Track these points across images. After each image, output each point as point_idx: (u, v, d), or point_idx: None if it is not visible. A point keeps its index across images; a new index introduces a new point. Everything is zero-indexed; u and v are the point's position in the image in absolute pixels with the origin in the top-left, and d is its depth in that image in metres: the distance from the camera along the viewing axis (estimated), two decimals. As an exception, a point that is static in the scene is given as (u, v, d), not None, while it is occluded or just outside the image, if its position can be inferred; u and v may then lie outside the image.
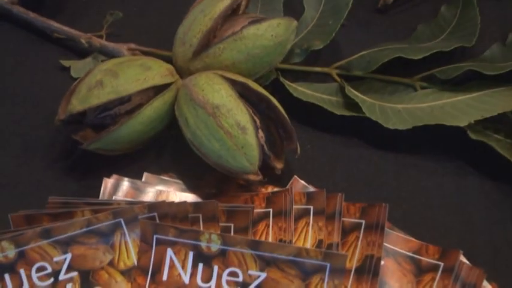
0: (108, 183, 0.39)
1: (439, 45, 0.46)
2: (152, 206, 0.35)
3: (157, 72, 0.39)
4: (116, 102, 0.38)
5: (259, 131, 0.38)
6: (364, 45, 0.49)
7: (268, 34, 0.40)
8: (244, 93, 0.39)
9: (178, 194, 0.39)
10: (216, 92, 0.37)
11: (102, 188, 0.38)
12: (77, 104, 0.37)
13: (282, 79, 0.44)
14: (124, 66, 0.39)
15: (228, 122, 0.37)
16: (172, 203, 0.36)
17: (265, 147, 0.38)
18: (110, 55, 0.46)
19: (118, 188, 0.39)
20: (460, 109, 0.42)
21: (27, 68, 0.46)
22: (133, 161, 0.41)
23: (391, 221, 0.39)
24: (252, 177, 0.38)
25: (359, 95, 0.43)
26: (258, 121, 0.38)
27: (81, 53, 0.47)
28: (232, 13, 0.42)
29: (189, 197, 0.39)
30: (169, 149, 0.42)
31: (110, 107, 0.38)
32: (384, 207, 0.37)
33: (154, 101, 0.39)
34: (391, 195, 0.41)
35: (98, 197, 0.39)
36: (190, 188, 0.40)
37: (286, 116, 0.39)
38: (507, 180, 0.42)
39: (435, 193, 0.41)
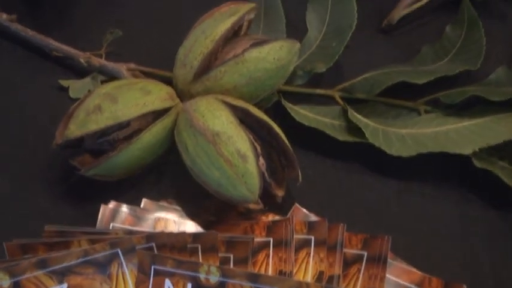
0: (105, 210, 0.38)
1: (444, 68, 0.45)
2: (150, 237, 0.34)
3: (157, 96, 0.38)
4: (114, 127, 0.37)
5: (260, 158, 0.37)
6: (367, 66, 0.48)
7: (271, 57, 0.40)
8: (245, 119, 0.38)
9: (177, 222, 0.38)
10: (216, 119, 0.37)
11: (99, 215, 0.38)
12: (75, 129, 0.37)
13: (284, 102, 0.43)
14: (123, 90, 0.38)
15: (228, 149, 0.36)
16: (171, 233, 0.35)
17: (266, 174, 0.38)
18: (109, 75, 0.45)
19: (116, 215, 0.38)
20: (464, 136, 0.41)
21: (25, 87, 0.45)
22: (132, 186, 0.41)
23: (393, 251, 0.38)
24: (252, 206, 0.37)
25: (362, 119, 0.43)
26: (258, 148, 0.37)
27: (80, 71, 0.46)
28: (233, 34, 0.42)
29: (188, 225, 0.38)
30: (168, 173, 0.42)
31: (109, 132, 0.38)
32: (386, 240, 0.36)
33: (153, 126, 0.38)
34: (393, 223, 0.40)
35: (96, 223, 0.38)
36: (190, 215, 0.39)
37: (288, 143, 0.38)
38: (510, 209, 0.41)
39: (438, 221, 0.41)
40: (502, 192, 0.41)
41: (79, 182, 0.40)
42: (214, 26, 0.41)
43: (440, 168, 0.42)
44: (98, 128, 0.37)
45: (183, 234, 0.35)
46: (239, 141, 0.36)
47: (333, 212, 0.40)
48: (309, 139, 0.43)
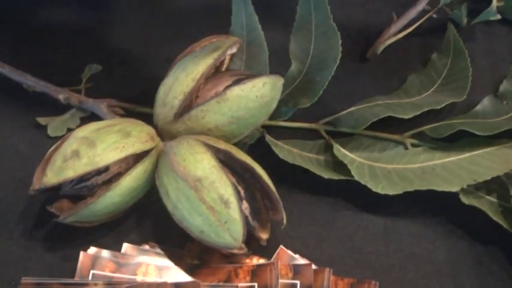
0: (85, 256, 0.37)
1: (430, 100, 0.45)
2: (131, 288, 0.34)
3: (136, 138, 0.37)
4: (93, 173, 0.36)
5: (244, 202, 0.36)
6: (352, 96, 0.47)
7: (253, 95, 0.39)
8: (228, 162, 0.37)
9: (159, 266, 0.37)
10: (198, 163, 0.36)
11: (79, 263, 0.37)
12: (52, 176, 0.36)
13: (267, 138, 0.43)
14: (101, 134, 0.37)
15: (210, 196, 0.35)
16: (152, 283, 0.34)
17: (249, 218, 0.37)
18: (88, 111, 0.44)
19: (96, 262, 0.37)
20: (451, 171, 0.40)
21: (1, 125, 0.44)
22: (112, 228, 0.40)
23: (381, 291, 0.37)
24: (236, 251, 0.36)
25: (347, 154, 0.42)
26: (242, 191, 0.36)
27: (59, 107, 0.45)
28: (215, 70, 0.41)
29: (171, 270, 0.37)
30: (150, 214, 0.40)
31: (87, 178, 0.36)
32: (373, 285, 0.35)
33: (133, 170, 0.37)
34: (381, 262, 0.40)
35: (75, 268, 0.37)
36: (172, 258, 0.38)
37: (271, 186, 0.37)
38: (499, 245, 0.40)
39: (426, 260, 0.40)
40: (490, 228, 0.40)
41: (57, 225, 0.38)
42: (195, 63, 0.40)
43: (428, 205, 0.42)
44: (75, 175, 0.35)
45: (164, 284, 0.34)
46: (222, 187, 0.35)
47: (319, 252, 0.40)
48: (293, 175, 0.42)
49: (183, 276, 0.37)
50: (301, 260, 0.38)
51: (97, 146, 0.36)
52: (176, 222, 0.37)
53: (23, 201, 0.40)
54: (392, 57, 0.50)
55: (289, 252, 0.39)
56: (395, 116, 0.42)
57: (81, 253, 0.37)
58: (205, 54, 0.40)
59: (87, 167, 0.36)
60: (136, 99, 0.45)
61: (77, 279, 0.36)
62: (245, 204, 0.36)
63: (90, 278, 0.36)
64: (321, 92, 0.43)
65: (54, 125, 0.43)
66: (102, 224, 0.39)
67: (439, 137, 0.42)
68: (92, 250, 0.38)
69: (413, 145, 0.43)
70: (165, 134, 0.40)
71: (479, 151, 0.41)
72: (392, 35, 0.49)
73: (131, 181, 0.37)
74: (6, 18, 0.51)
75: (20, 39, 0.49)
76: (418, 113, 0.42)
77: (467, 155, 0.41)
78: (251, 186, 0.38)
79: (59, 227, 0.38)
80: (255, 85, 0.39)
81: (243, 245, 0.36)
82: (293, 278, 0.36)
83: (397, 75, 0.49)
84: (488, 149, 0.41)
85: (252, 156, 0.39)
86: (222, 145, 0.37)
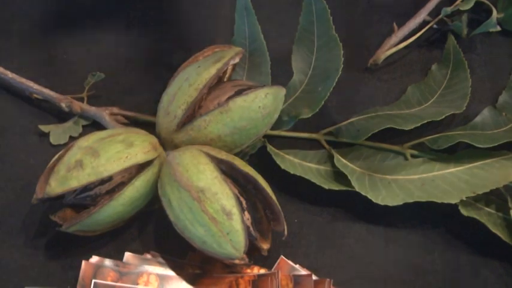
0: (87, 265, 0.37)
1: (430, 111, 0.45)
2: (133, 299, 0.34)
3: (139, 148, 0.38)
4: (96, 183, 0.36)
5: (245, 212, 0.37)
6: (353, 105, 0.48)
7: (256, 106, 0.39)
8: (230, 173, 0.37)
9: (160, 276, 0.38)
10: (201, 174, 0.36)
11: (81, 271, 0.37)
12: (56, 186, 0.36)
13: (269, 148, 0.43)
14: (105, 144, 0.37)
15: (213, 207, 0.35)
16: (154, 294, 0.34)
17: (251, 228, 0.37)
18: (91, 119, 0.44)
19: (98, 270, 0.37)
20: (451, 183, 0.41)
21: (4, 132, 0.44)
22: (114, 238, 0.40)
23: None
24: (237, 261, 0.36)
25: (348, 164, 0.42)
26: (244, 202, 0.37)
27: (61, 115, 0.45)
28: (218, 80, 0.41)
29: (172, 279, 0.38)
30: (151, 224, 0.41)
31: (90, 187, 0.37)
32: (373, 297, 0.35)
33: (136, 180, 0.37)
34: (380, 272, 0.40)
35: (77, 277, 0.37)
36: (174, 268, 0.38)
37: (273, 198, 0.37)
38: (497, 256, 0.41)
39: (425, 270, 0.40)
40: (489, 239, 0.40)
41: (60, 234, 0.39)
42: (198, 74, 0.40)
43: (427, 215, 0.42)
44: (79, 185, 0.36)
45: (166, 295, 0.34)
46: (224, 198, 0.35)
47: (319, 262, 0.40)
48: (294, 184, 0.42)
49: (185, 286, 0.37)
50: (301, 271, 0.39)
51: (101, 156, 0.36)
52: (178, 232, 0.37)
53: (26, 209, 0.41)
54: (393, 68, 0.50)
55: (290, 262, 0.39)
56: (396, 127, 0.42)
57: (83, 262, 0.37)
58: (208, 65, 0.40)
59: (91, 177, 0.36)
60: (139, 108, 0.45)
61: (79, 289, 0.36)
62: (247, 215, 0.37)
63: (92, 287, 0.37)
64: (323, 102, 0.43)
65: (56, 133, 0.43)
66: (104, 233, 0.39)
67: (439, 148, 0.43)
68: (94, 259, 0.38)
69: (413, 156, 0.44)
70: (167, 144, 0.40)
71: (479, 163, 0.42)
72: (393, 45, 0.49)
73: (134, 191, 0.37)
74: (9, 25, 0.51)
75: (23, 47, 0.49)
76: (418, 124, 0.43)
77: (466, 166, 0.42)
78: (253, 197, 0.38)
79: (61, 235, 0.38)
80: (257, 96, 0.39)
81: (244, 256, 0.36)
82: (294, 289, 0.37)
83: (397, 85, 0.49)
84: (487, 161, 0.42)
85: (254, 165, 0.39)
86: (225, 156, 0.38)
